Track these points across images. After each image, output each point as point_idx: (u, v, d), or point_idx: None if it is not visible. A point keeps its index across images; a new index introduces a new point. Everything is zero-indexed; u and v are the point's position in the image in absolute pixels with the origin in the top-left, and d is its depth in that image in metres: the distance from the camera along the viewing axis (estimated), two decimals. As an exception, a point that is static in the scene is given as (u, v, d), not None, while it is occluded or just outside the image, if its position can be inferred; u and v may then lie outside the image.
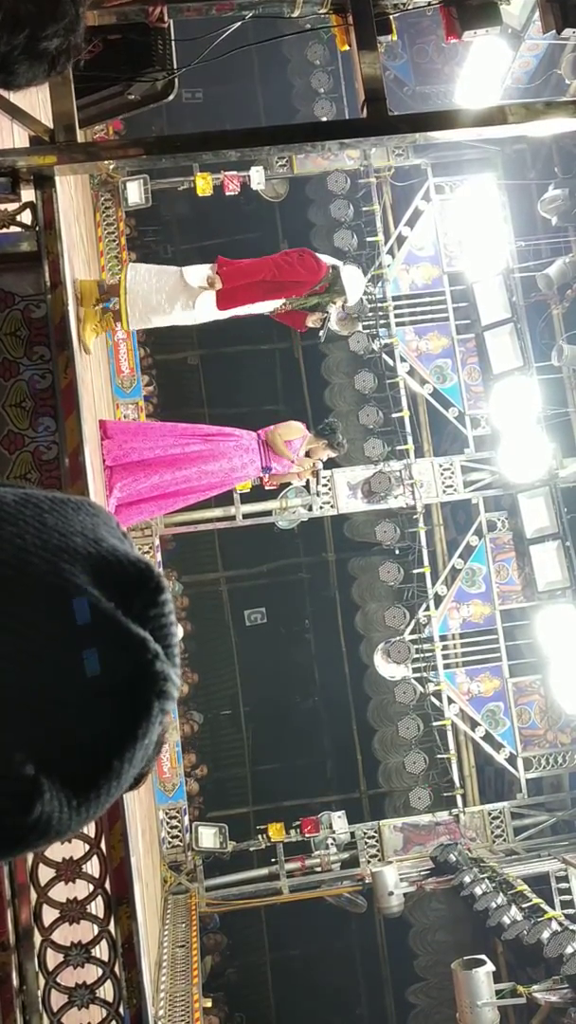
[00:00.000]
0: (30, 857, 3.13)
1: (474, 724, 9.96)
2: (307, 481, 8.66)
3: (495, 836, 9.87)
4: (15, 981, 3.07)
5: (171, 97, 4.67)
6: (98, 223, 9.73)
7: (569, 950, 7.60)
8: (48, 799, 0.91)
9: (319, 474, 7.64)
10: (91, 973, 3.21)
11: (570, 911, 8.55)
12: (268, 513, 9.93)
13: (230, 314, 6.62)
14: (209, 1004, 8.38)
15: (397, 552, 10.23)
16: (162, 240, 12.35)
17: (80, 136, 3.48)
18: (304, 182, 10.90)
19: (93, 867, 3.21)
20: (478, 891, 8.58)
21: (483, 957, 7.89)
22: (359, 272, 7.47)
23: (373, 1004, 11.31)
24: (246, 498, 9.60)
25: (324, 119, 10.25)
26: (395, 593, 10.30)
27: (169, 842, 9.43)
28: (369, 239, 10.46)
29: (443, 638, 10.06)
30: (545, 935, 7.81)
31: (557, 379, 10.20)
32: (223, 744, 12.57)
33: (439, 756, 9.89)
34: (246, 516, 9.80)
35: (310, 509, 10.03)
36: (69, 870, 3.19)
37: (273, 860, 9.34)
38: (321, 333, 7.55)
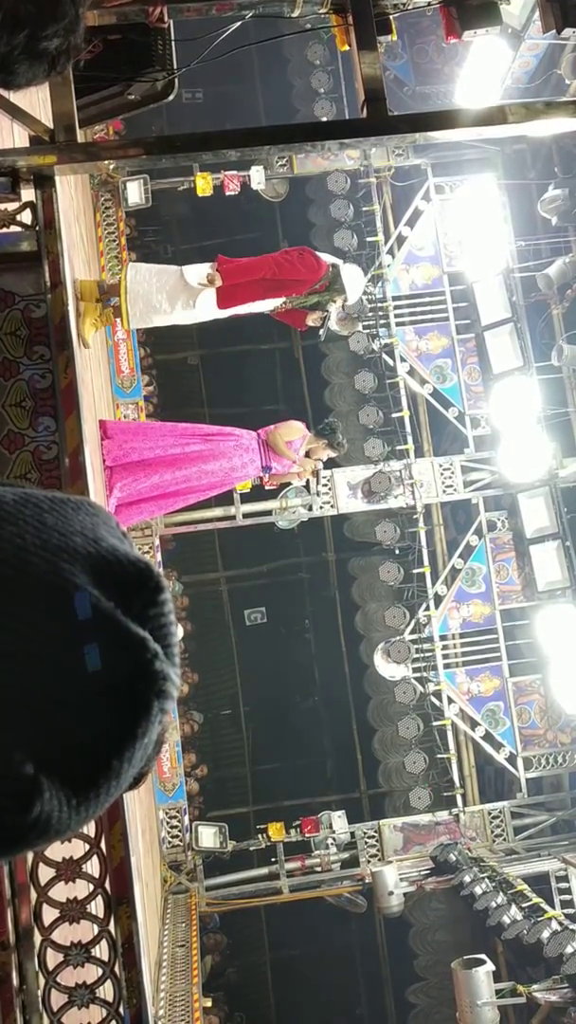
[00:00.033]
0: (30, 857, 3.13)
1: (474, 724, 9.96)
2: (307, 481, 8.66)
3: (495, 836, 9.87)
4: (15, 981, 3.08)
5: (171, 97, 4.67)
6: (98, 223, 9.72)
7: (569, 949, 7.60)
8: (48, 798, 0.91)
9: (319, 474, 7.63)
10: (91, 973, 3.21)
11: (570, 911, 8.55)
12: (268, 513, 9.92)
13: (230, 313, 6.63)
14: (209, 1004, 8.38)
15: (397, 552, 10.22)
16: (162, 240, 12.33)
17: (80, 136, 3.48)
18: (304, 182, 10.89)
19: (93, 867, 3.21)
20: (478, 891, 8.58)
21: (483, 957, 7.89)
22: (359, 271, 7.47)
23: (373, 1004, 11.31)
24: (246, 498, 9.60)
25: (324, 119, 10.24)
26: (395, 593, 10.30)
27: (169, 842, 9.43)
28: (369, 239, 10.45)
29: (443, 638, 10.06)
30: (545, 935, 7.81)
31: (557, 379, 10.20)
32: (223, 744, 12.57)
33: (439, 756, 9.89)
34: (246, 516, 9.79)
35: (310, 509, 10.02)
36: (69, 870, 3.19)
37: (273, 860, 9.34)
38: (321, 332, 7.56)
